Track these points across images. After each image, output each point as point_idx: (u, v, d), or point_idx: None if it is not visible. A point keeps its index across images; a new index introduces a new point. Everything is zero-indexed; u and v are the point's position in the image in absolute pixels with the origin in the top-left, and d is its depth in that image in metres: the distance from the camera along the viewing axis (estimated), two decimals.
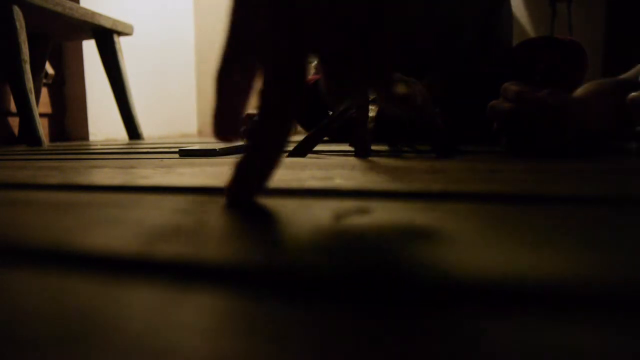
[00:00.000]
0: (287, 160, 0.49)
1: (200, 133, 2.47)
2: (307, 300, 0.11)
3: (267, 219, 0.21)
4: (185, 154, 0.61)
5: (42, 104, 1.47)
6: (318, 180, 0.32)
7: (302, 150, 0.54)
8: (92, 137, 1.63)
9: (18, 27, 1.10)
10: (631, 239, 0.16)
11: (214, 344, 0.09)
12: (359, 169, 0.39)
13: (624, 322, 0.10)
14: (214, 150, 0.59)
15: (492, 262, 0.14)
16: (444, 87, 0.79)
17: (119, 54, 1.45)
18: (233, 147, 0.63)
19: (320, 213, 0.21)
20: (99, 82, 1.60)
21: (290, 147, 0.53)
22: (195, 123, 2.47)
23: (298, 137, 0.63)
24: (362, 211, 0.21)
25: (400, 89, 0.22)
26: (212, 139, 1.34)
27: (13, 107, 1.30)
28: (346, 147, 0.67)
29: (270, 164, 0.22)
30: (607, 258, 0.14)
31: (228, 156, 0.59)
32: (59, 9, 1.16)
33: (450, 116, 0.71)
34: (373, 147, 0.60)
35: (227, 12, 0.23)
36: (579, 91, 0.53)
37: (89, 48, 1.58)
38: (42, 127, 1.24)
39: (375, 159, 0.48)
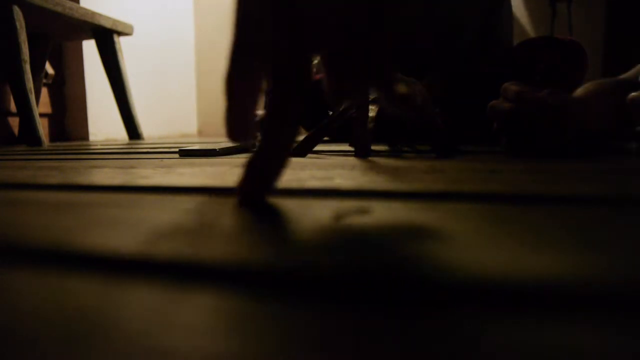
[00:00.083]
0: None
1: (200, 133, 2.47)
2: (307, 300, 0.11)
3: (267, 219, 0.21)
4: (185, 154, 0.61)
5: (42, 104, 1.47)
6: (318, 180, 0.32)
7: (302, 150, 0.54)
8: (92, 137, 1.63)
9: (18, 27, 1.10)
10: (631, 239, 0.16)
11: (214, 344, 0.09)
12: (359, 169, 0.39)
13: (624, 322, 0.10)
14: (214, 150, 0.59)
15: (492, 262, 0.14)
16: (444, 87, 0.79)
17: (119, 54, 1.44)
18: (233, 147, 0.63)
19: (320, 213, 0.21)
20: (99, 82, 1.60)
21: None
22: (195, 123, 2.47)
23: (298, 137, 0.63)
24: (362, 211, 0.21)
25: (401, 89, 0.22)
26: (212, 139, 1.34)
27: (13, 107, 1.30)
28: (346, 147, 0.67)
29: (279, 163, 0.22)
30: (607, 258, 0.14)
31: (228, 156, 0.59)
32: (59, 9, 1.16)
33: (450, 116, 0.71)
34: (373, 147, 0.60)
35: (231, 14, 0.23)
36: (579, 91, 0.53)
37: (89, 48, 1.58)
38: (42, 127, 1.24)
39: (375, 159, 0.48)
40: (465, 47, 0.84)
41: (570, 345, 0.09)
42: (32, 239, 0.18)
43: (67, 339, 0.10)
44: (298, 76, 0.22)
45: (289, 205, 0.23)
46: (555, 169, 0.35)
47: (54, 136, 1.57)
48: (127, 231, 0.19)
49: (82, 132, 1.62)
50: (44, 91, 1.50)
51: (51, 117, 1.56)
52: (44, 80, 1.46)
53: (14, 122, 1.38)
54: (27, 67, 1.13)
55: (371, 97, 0.56)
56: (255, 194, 0.23)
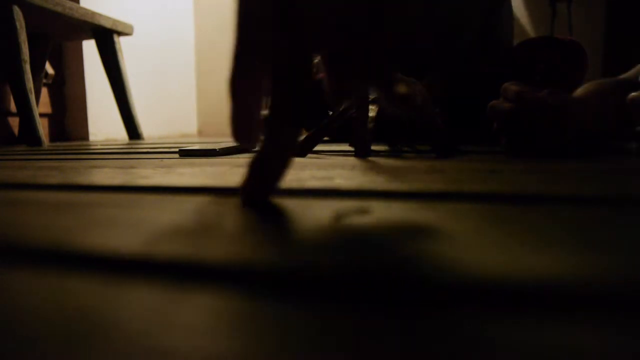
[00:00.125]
0: None
1: (200, 133, 2.47)
2: (307, 300, 0.11)
3: (268, 219, 0.21)
4: (185, 154, 0.61)
5: (42, 104, 1.47)
6: (318, 180, 0.32)
7: (302, 150, 0.54)
8: (92, 137, 1.63)
9: (18, 27, 1.10)
10: (631, 239, 0.16)
11: (214, 344, 0.09)
12: (359, 169, 0.39)
13: (624, 322, 0.10)
14: (214, 150, 0.59)
15: (492, 262, 0.14)
16: (444, 87, 0.79)
17: (119, 54, 1.44)
18: (233, 147, 0.63)
19: (320, 213, 0.21)
20: (99, 82, 1.60)
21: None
22: (195, 123, 2.47)
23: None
24: (362, 211, 0.21)
25: (401, 88, 0.22)
26: (212, 139, 1.34)
27: (13, 107, 1.30)
28: (346, 147, 0.67)
29: (282, 163, 0.22)
30: (607, 258, 0.14)
31: (228, 156, 0.59)
32: (59, 9, 1.16)
33: (450, 116, 0.71)
34: (373, 147, 0.60)
35: (233, 14, 0.23)
36: (579, 91, 0.53)
37: (89, 48, 1.57)
38: (42, 127, 1.24)
39: (375, 159, 0.48)
40: (465, 47, 0.84)
41: (570, 345, 0.09)
42: (32, 239, 0.18)
43: (67, 339, 0.10)
44: (299, 76, 0.22)
45: (289, 205, 0.23)
46: (555, 169, 0.35)
47: (54, 136, 1.57)
48: (127, 231, 0.19)
49: (82, 132, 1.62)
50: (44, 91, 1.50)
51: (51, 117, 1.56)
52: (44, 80, 1.46)
53: (14, 122, 1.38)
54: (27, 67, 1.13)
55: (371, 97, 0.56)
56: (259, 194, 0.23)
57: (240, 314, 0.11)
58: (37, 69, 1.33)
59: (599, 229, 0.17)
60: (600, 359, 0.08)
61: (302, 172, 0.37)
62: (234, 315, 0.11)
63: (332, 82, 0.22)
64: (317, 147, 0.67)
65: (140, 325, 0.10)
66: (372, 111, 0.57)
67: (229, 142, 0.78)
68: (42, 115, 1.44)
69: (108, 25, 1.36)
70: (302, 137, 0.55)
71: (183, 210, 0.23)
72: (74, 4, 1.22)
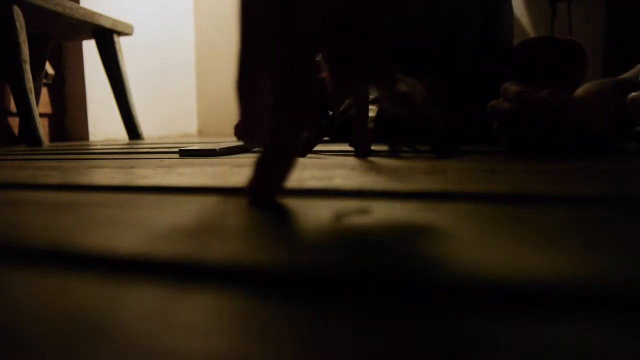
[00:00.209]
0: None
1: (200, 133, 2.47)
2: (308, 299, 0.11)
3: (268, 219, 0.21)
4: (185, 154, 0.61)
5: (42, 104, 1.47)
6: (318, 180, 0.32)
7: (302, 150, 0.54)
8: (92, 137, 1.63)
9: (18, 27, 1.10)
10: (631, 239, 0.16)
11: (213, 344, 0.09)
12: (359, 169, 0.39)
13: (624, 322, 0.10)
14: (214, 150, 0.59)
15: (492, 262, 0.14)
16: (444, 87, 0.79)
17: (119, 54, 1.44)
18: (233, 147, 0.63)
19: (321, 213, 0.21)
20: (99, 82, 1.60)
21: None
22: (195, 123, 2.47)
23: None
24: (362, 211, 0.21)
25: (401, 87, 0.22)
26: (212, 139, 1.34)
27: (13, 107, 1.30)
28: (346, 147, 0.67)
29: (287, 163, 0.22)
30: (607, 258, 0.14)
31: (228, 156, 0.59)
32: (59, 9, 1.16)
33: (450, 116, 0.70)
34: (373, 147, 0.60)
35: (236, 16, 0.23)
36: (579, 91, 0.53)
37: (89, 48, 1.57)
38: (42, 127, 1.24)
39: (375, 159, 0.48)
40: (465, 47, 0.84)
41: (570, 345, 0.09)
42: (32, 239, 0.18)
43: (67, 339, 0.10)
44: (301, 76, 0.22)
45: (289, 206, 0.23)
46: (555, 169, 0.35)
47: (54, 136, 1.57)
48: (127, 231, 0.19)
49: (82, 132, 1.62)
50: (44, 91, 1.50)
51: (51, 117, 1.56)
52: (44, 80, 1.46)
53: (14, 122, 1.38)
54: (27, 67, 1.13)
55: (371, 97, 0.56)
56: (265, 194, 0.23)
57: (241, 313, 0.11)
58: (37, 69, 1.33)
59: (599, 229, 0.17)
60: (600, 359, 0.08)
61: (302, 172, 0.37)
62: (235, 315, 0.11)
63: (334, 81, 0.22)
64: (317, 147, 0.67)
65: (140, 325, 0.10)
66: (372, 111, 0.57)
67: (229, 142, 0.78)
68: (42, 115, 1.44)
69: (108, 25, 1.36)
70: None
71: (183, 210, 0.23)
72: (74, 4, 1.22)
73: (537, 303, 0.11)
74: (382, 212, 0.21)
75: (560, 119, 0.47)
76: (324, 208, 0.22)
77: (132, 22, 1.63)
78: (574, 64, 0.71)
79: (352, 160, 0.48)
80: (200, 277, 0.13)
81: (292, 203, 0.24)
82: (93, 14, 1.29)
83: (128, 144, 1.13)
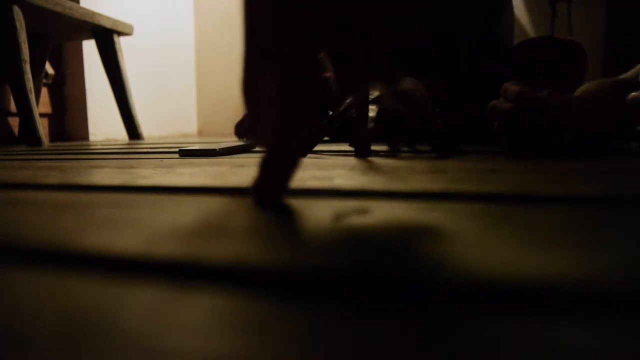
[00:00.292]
0: None
1: (200, 133, 2.47)
2: (308, 300, 0.11)
3: (268, 219, 0.21)
4: (185, 154, 0.61)
5: (42, 104, 1.47)
6: (318, 180, 0.32)
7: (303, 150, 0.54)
8: (92, 137, 1.63)
9: (18, 27, 1.10)
10: (631, 239, 0.16)
11: (214, 344, 0.09)
12: (359, 169, 0.39)
13: (624, 322, 0.10)
14: (214, 150, 0.59)
15: (492, 262, 0.14)
16: (444, 87, 0.79)
17: (119, 54, 1.44)
18: (233, 147, 0.63)
19: (321, 213, 0.21)
20: (99, 82, 1.60)
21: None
22: (195, 123, 2.47)
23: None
24: (362, 211, 0.21)
25: (404, 85, 0.22)
26: (212, 139, 1.34)
27: (13, 107, 1.30)
28: (346, 147, 0.67)
29: (292, 163, 0.22)
30: (607, 258, 0.14)
31: (228, 156, 0.59)
32: (59, 9, 1.16)
33: (450, 116, 0.70)
34: (373, 147, 0.60)
35: (241, 18, 0.23)
36: (579, 91, 0.53)
37: (89, 48, 1.58)
38: (42, 127, 1.24)
39: (375, 159, 0.48)
40: (466, 47, 0.84)
41: (570, 345, 0.09)
42: (32, 239, 0.18)
43: (67, 339, 0.10)
44: (304, 76, 0.22)
45: (289, 206, 0.23)
46: (555, 169, 0.35)
47: (54, 136, 1.57)
48: (127, 231, 0.19)
49: (82, 132, 1.62)
50: (44, 91, 1.50)
51: (51, 117, 1.56)
52: (44, 80, 1.46)
53: (14, 122, 1.38)
54: (27, 67, 1.13)
55: (371, 97, 0.56)
56: (269, 194, 0.23)
57: (241, 313, 0.11)
58: (37, 69, 1.33)
59: (599, 229, 0.17)
60: (600, 359, 0.08)
61: (302, 172, 0.37)
62: (235, 315, 0.11)
63: (337, 80, 0.23)
64: (317, 147, 0.67)
65: (140, 325, 0.10)
66: (372, 111, 0.57)
67: (229, 142, 0.78)
68: (42, 115, 1.44)
69: (108, 25, 1.36)
70: None
71: (183, 210, 0.23)
72: (74, 4, 1.22)
73: (537, 303, 0.11)
74: (382, 212, 0.21)
75: (560, 119, 0.47)
76: (323, 208, 0.22)
77: (132, 22, 1.63)
78: (574, 64, 0.71)
79: (352, 160, 0.48)
80: (200, 277, 0.13)
81: (292, 203, 0.24)
82: (93, 14, 1.29)
83: (128, 144, 1.13)
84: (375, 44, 0.22)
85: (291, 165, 0.23)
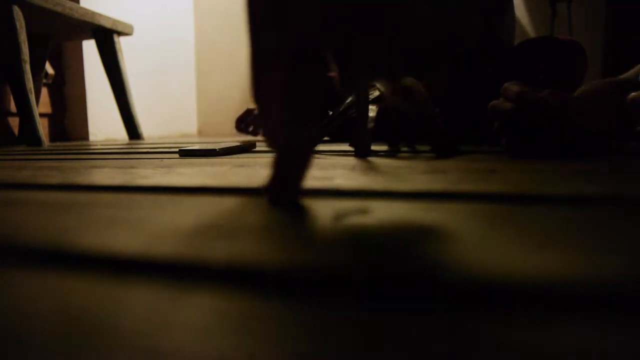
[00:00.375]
0: None
1: (200, 133, 2.47)
2: (308, 299, 0.11)
3: (268, 219, 0.21)
4: (185, 154, 0.61)
5: (42, 104, 1.47)
6: (318, 180, 0.32)
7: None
8: (92, 137, 1.63)
9: (18, 27, 1.10)
10: (631, 239, 0.16)
11: (214, 344, 0.09)
12: (359, 169, 0.39)
13: (624, 322, 0.10)
14: (214, 150, 0.59)
15: (492, 262, 0.14)
16: (444, 87, 0.79)
17: (119, 54, 1.44)
18: (233, 147, 0.63)
19: (321, 213, 0.21)
20: (99, 82, 1.60)
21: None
22: (195, 123, 2.47)
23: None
24: (362, 211, 0.21)
25: (406, 82, 0.23)
26: (212, 139, 1.34)
27: (13, 107, 1.30)
28: (346, 147, 0.67)
29: (304, 162, 0.23)
30: (607, 258, 0.14)
31: (228, 156, 0.59)
32: (59, 9, 1.16)
33: (450, 116, 0.71)
34: (373, 147, 0.60)
35: (245, 21, 0.23)
36: (579, 91, 0.53)
37: (89, 48, 1.58)
38: (42, 127, 1.24)
39: (375, 159, 0.48)
40: (466, 47, 0.84)
41: (570, 345, 0.09)
42: (32, 239, 0.18)
43: (67, 339, 0.10)
44: (309, 76, 0.22)
45: (289, 206, 0.23)
46: (555, 169, 0.35)
47: (54, 136, 1.57)
48: (127, 231, 0.19)
49: (82, 132, 1.62)
50: (44, 91, 1.50)
51: (51, 117, 1.56)
52: (44, 80, 1.46)
53: (14, 122, 1.38)
54: (27, 67, 1.13)
55: (371, 97, 0.56)
56: (283, 194, 0.24)
57: (242, 314, 0.11)
58: (37, 69, 1.33)
59: (599, 229, 0.17)
60: (600, 359, 0.08)
61: None
62: (235, 315, 0.11)
63: (340, 78, 0.23)
64: (317, 147, 0.67)
65: (139, 325, 0.10)
66: (372, 111, 0.57)
67: (229, 142, 0.78)
68: (42, 115, 1.44)
69: (108, 25, 1.36)
70: None
71: (183, 210, 0.23)
72: (74, 4, 1.22)
73: (537, 303, 0.11)
74: (382, 212, 0.21)
75: (561, 119, 0.47)
76: (324, 208, 0.22)
77: (132, 22, 1.63)
78: (574, 64, 0.71)
79: (352, 160, 0.48)
80: (200, 277, 0.13)
81: (292, 203, 0.24)
82: (93, 14, 1.29)
83: (128, 144, 1.13)
84: (376, 43, 0.22)
85: (302, 164, 0.23)
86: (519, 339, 0.09)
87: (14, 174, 0.43)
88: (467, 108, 0.76)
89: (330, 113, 0.65)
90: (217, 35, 2.38)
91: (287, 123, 0.22)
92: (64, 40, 1.53)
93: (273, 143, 0.24)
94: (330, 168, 0.40)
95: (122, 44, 1.49)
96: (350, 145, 0.60)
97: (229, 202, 0.25)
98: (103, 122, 1.67)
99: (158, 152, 0.71)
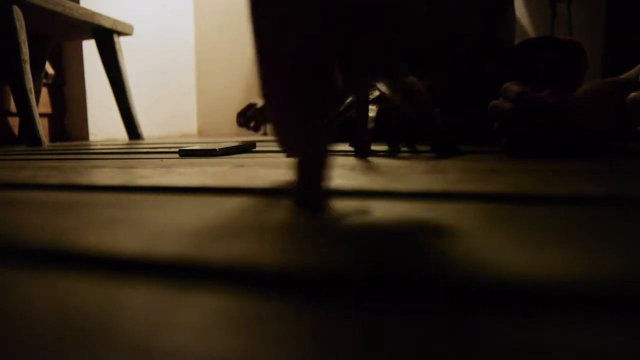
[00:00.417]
0: (286, 160, 0.49)
1: (200, 133, 2.47)
2: (308, 299, 0.11)
3: (268, 218, 0.21)
4: (185, 154, 0.61)
5: (42, 104, 1.47)
6: None
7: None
8: (92, 137, 1.63)
9: (18, 27, 1.10)
10: (631, 239, 0.16)
11: (214, 344, 0.09)
12: (359, 169, 0.39)
13: (624, 322, 0.10)
14: (214, 150, 0.59)
15: (492, 262, 0.14)
16: (444, 87, 0.79)
17: (119, 54, 1.44)
18: (233, 147, 0.63)
19: (320, 213, 0.21)
20: (99, 82, 1.60)
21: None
22: (195, 123, 2.47)
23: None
24: (363, 211, 0.21)
25: (408, 81, 0.23)
26: (212, 139, 1.34)
27: (13, 107, 1.30)
28: (346, 147, 0.67)
29: (322, 162, 0.23)
30: (607, 258, 0.14)
31: (228, 156, 0.59)
32: (59, 9, 1.16)
33: (450, 116, 0.70)
34: (373, 147, 0.60)
35: (249, 23, 0.23)
36: (579, 91, 0.53)
37: (89, 48, 1.58)
38: (42, 127, 1.24)
39: (375, 159, 0.48)
40: (466, 47, 0.84)
41: (570, 345, 0.09)
42: (32, 239, 0.18)
43: (67, 339, 0.10)
44: (317, 78, 0.22)
45: (289, 206, 0.23)
46: (555, 169, 0.35)
47: (54, 136, 1.57)
48: (127, 231, 0.19)
49: (82, 132, 1.62)
50: (44, 91, 1.50)
51: (51, 117, 1.56)
52: (44, 80, 1.46)
53: (14, 122, 1.38)
54: (27, 67, 1.13)
55: (371, 97, 0.56)
56: (311, 196, 0.24)
57: (242, 314, 0.11)
58: (37, 69, 1.33)
59: (599, 229, 0.17)
60: (600, 359, 0.08)
61: None
62: (235, 315, 0.11)
63: (343, 78, 0.23)
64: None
65: (140, 325, 0.10)
66: (372, 111, 0.57)
67: (229, 142, 0.78)
68: (42, 115, 1.44)
69: (108, 25, 1.36)
70: None
71: (183, 210, 0.23)
72: (74, 4, 1.22)
73: (537, 303, 0.11)
74: (382, 212, 0.21)
75: (561, 119, 0.47)
76: (324, 208, 0.22)
77: (132, 22, 1.63)
78: (574, 64, 0.71)
79: (352, 160, 0.48)
80: (200, 277, 0.13)
81: (292, 203, 0.24)
82: (93, 14, 1.29)
83: (128, 144, 1.13)
84: (376, 43, 0.22)
85: (321, 165, 0.23)
86: (519, 339, 0.09)
87: (14, 174, 0.43)
88: (467, 108, 0.76)
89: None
90: (217, 35, 2.38)
91: (301, 128, 0.22)
92: (64, 40, 1.53)
93: (288, 150, 0.24)
94: (330, 168, 0.40)
95: (122, 44, 1.49)
96: (350, 145, 0.60)
97: (229, 202, 0.25)
98: (103, 122, 1.67)
99: (158, 152, 0.71)
